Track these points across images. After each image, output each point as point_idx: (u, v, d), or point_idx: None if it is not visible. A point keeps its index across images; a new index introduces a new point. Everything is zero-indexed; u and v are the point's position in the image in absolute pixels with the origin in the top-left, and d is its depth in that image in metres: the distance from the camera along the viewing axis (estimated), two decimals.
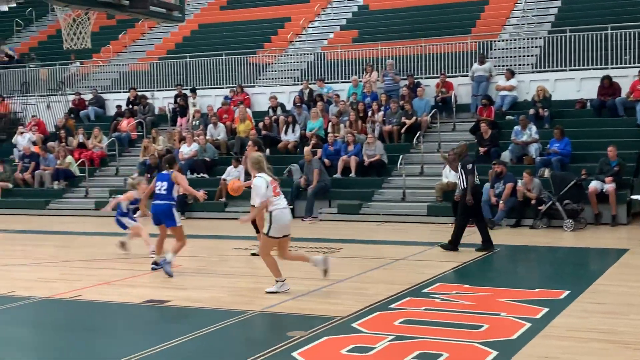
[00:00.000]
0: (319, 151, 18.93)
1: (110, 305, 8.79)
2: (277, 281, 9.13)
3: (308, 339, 6.90)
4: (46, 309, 8.82)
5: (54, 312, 8.71)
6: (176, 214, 10.78)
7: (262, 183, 8.90)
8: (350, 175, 18.47)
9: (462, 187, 12.29)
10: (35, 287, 9.78)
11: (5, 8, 38.78)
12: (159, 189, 10.77)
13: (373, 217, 17.03)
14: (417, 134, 18.91)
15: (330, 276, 9.74)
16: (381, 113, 20.01)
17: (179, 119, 22.72)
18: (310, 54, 24.12)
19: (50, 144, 22.38)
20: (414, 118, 19.51)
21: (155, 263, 10.93)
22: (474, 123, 19.05)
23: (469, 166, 12.19)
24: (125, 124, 22.82)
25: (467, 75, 20.93)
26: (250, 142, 12.09)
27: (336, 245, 13.20)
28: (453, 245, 12.22)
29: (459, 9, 24.97)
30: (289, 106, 21.90)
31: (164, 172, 11.02)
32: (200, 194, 11.34)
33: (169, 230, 10.79)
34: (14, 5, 38.00)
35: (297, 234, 14.42)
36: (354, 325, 7.43)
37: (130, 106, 23.73)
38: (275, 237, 8.97)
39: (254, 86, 23.61)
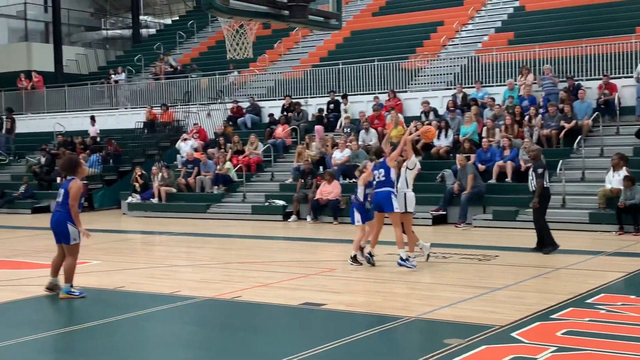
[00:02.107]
0: (473, 156, 18.60)
1: (269, 306, 9.02)
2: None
3: (465, 348, 6.77)
4: (210, 308, 9.17)
5: (216, 312, 9.04)
6: (394, 200, 11.12)
7: None
8: (506, 180, 18.03)
9: (531, 190, 12.84)
10: (199, 288, 10.20)
11: (169, 21, 40.91)
12: (378, 177, 11.21)
13: (530, 224, 16.48)
14: (578, 138, 18.17)
15: (487, 284, 9.53)
16: (539, 117, 19.39)
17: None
18: (464, 57, 23.77)
19: (210, 150, 23.31)
20: (574, 122, 18.77)
21: (369, 254, 11.48)
22: (639, 127, 18.08)
23: (540, 170, 12.60)
24: (280, 130, 23.41)
25: (631, 77, 19.89)
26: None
27: (491, 253, 12.90)
28: (539, 246, 12.69)
29: (621, 8, 23.82)
30: (441, 111, 21.68)
31: (378, 160, 11.41)
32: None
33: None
34: (177, 18, 40.00)
35: (450, 240, 14.28)
36: (514, 334, 7.22)
37: (285, 113, 24.32)
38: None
39: (405, 91, 23.57)
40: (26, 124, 30.38)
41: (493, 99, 20.87)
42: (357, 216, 11.55)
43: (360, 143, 20.83)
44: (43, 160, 26.11)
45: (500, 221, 16.85)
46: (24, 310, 9.28)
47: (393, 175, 11.22)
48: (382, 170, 11.17)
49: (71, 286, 9.58)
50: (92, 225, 19.31)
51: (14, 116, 29.26)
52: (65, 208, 9.51)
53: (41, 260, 13.42)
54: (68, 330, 8.19)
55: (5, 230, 19.06)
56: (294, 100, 24.58)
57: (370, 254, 11.53)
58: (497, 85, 21.92)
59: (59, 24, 35.34)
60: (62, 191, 9.70)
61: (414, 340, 7.60)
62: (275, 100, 25.74)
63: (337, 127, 23.06)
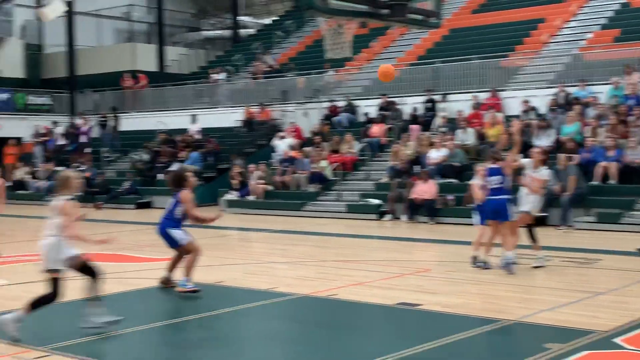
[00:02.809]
0: (575, 157, 18.09)
1: (364, 305, 9.04)
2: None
3: (566, 353, 6.61)
4: (306, 305, 9.28)
5: (313, 309, 9.13)
6: (511, 209, 11.01)
7: None
8: (609, 182, 17.46)
9: None
10: (296, 285, 10.32)
11: (267, 21, 41.47)
12: (493, 184, 11.03)
13: (636, 227, 15.94)
14: None
15: (589, 288, 9.27)
16: None
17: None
18: (567, 55, 23.13)
19: (306, 148, 23.52)
20: None
21: (484, 262, 11.28)
22: None
23: None
24: (376, 129, 23.40)
25: None
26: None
27: (594, 256, 12.53)
28: None
29: None
30: (542, 110, 21.18)
31: (493, 166, 11.13)
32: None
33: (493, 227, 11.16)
34: (276, 18, 40.50)
35: (551, 243, 13.92)
36: (617, 340, 7.00)
37: (381, 112, 24.27)
38: None
39: (505, 90, 23.14)
40: (130, 122, 31.42)
41: (596, 98, 20.24)
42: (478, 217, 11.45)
43: (457, 142, 20.58)
44: (146, 157, 26.94)
45: (604, 224, 16.34)
46: (129, 302, 9.62)
47: (508, 181, 11.03)
48: (498, 177, 10.93)
49: (187, 280, 9.68)
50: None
51: (118, 114, 30.30)
52: (170, 216, 9.82)
53: (145, 254, 13.89)
54: (171, 322, 8.44)
55: (110, 224, 19.78)
56: (390, 99, 24.51)
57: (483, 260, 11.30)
58: (601, 84, 21.23)
59: (163, 25, 36.41)
60: (172, 201, 9.94)
61: (513, 344, 7.47)
62: (371, 99, 25.72)
63: (434, 126, 22.86)
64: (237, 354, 7.15)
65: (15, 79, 35.61)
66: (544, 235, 15.61)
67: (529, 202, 11.32)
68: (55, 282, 7.49)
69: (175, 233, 9.77)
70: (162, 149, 26.93)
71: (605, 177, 17.53)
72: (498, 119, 20.71)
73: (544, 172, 11.56)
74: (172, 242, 9.82)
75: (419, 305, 8.87)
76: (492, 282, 10.41)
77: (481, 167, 11.67)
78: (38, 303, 7.55)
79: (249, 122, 26.96)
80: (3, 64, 35.66)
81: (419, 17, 7.79)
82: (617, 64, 21.30)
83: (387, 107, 24.21)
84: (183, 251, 9.80)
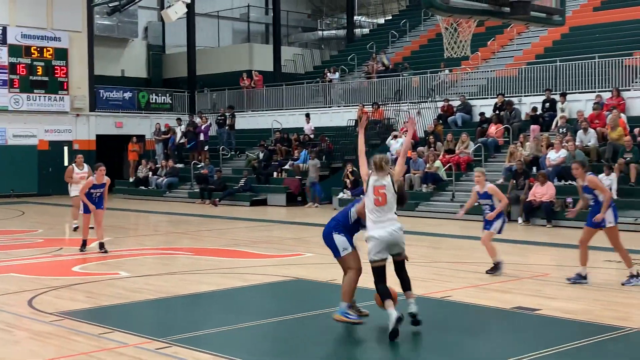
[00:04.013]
0: None
1: (480, 308, 8.89)
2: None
3: None
4: (421, 307, 9.19)
5: (427, 311, 9.04)
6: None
7: None
8: None
9: None
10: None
11: (382, 21, 41.47)
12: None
13: None
14: None
15: None
16: None
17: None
18: None
19: (420, 148, 23.34)
20: None
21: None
22: None
23: None
24: (492, 129, 22.97)
25: None
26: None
27: None
28: None
29: None
30: None
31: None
32: None
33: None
34: (390, 18, 40.44)
35: None
36: None
37: (497, 112, 23.80)
38: None
39: (629, 89, 22.21)
40: (246, 120, 32.12)
41: None
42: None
43: (577, 143, 19.93)
44: (261, 155, 27.46)
45: None
46: (245, 297, 9.83)
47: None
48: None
49: (349, 307, 7.93)
50: (305, 219, 20.08)
51: (235, 113, 31.03)
52: (335, 221, 8.09)
53: (259, 250, 14.16)
54: (284, 318, 8.56)
55: (226, 220, 20.28)
56: (506, 99, 24.00)
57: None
58: None
59: (279, 25, 37.01)
60: (343, 209, 8.35)
61: (635, 353, 7.17)
62: (487, 98, 25.25)
63: (553, 126, 22.21)
64: (358, 352, 7.18)
65: (138, 78, 37.13)
66: None
67: None
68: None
69: (338, 240, 7.98)
70: (277, 147, 27.36)
71: None
72: (620, 120, 19.91)
73: None
74: (334, 250, 8.04)
75: (537, 310, 8.65)
76: (613, 288, 10.03)
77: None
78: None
79: None
80: (127, 64, 37.28)
81: (542, 15, 7.57)
82: None
83: (504, 107, 23.71)
84: (342, 265, 8.04)
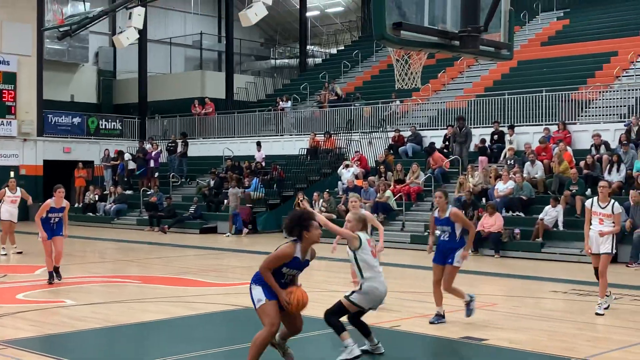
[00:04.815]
0: None
1: (428, 338, 8.93)
2: None
3: None
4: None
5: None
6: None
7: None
8: None
9: None
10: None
11: (334, 51, 41.83)
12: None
13: None
14: None
15: None
16: None
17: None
18: (639, 89, 22.65)
19: (370, 178, 23.49)
20: None
21: None
22: None
23: None
24: (440, 157, 23.20)
25: None
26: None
27: None
28: None
29: None
30: (613, 144, 20.75)
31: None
32: None
33: None
34: (342, 48, 40.82)
35: (622, 281, 13.55)
36: None
37: (447, 142, 24.11)
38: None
39: (575, 123, 22.75)
40: (198, 148, 31.96)
41: None
42: None
43: (525, 175, 20.29)
44: (212, 182, 27.31)
45: None
46: (193, 326, 9.71)
47: None
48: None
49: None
50: (255, 248, 19.97)
51: (187, 140, 30.86)
52: (257, 273, 7.12)
53: (208, 278, 14.03)
54: (233, 348, 8.47)
55: (176, 248, 20.06)
56: (456, 130, 24.32)
57: None
58: None
59: (232, 53, 37.09)
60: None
61: None
62: (437, 130, 25.60)
63: (501, 158, 22.59)
64: None
65: (88, 103, 36.73)
66: (615, 272, 15.22)
67: (605, 241, 10.49)
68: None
69: (255, 291, 7.10)
70: (228, 175, 27.27)
71: None
72: (566, 153, 20.35)
73: (616, 207, 10.70)
74: (252, 302, 7.19)
75: (485, 340, 8.72)
76: (560, 319, 10.16)
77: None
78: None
79: (314, 150, 27.13)
80: (77, 89, 36.89)
81: (491, 49, 7.73)
82: None
83: (454, 138, 24.02)
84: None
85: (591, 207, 10.72)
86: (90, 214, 28.84)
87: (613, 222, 10.52)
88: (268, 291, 6.98)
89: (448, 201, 10.10)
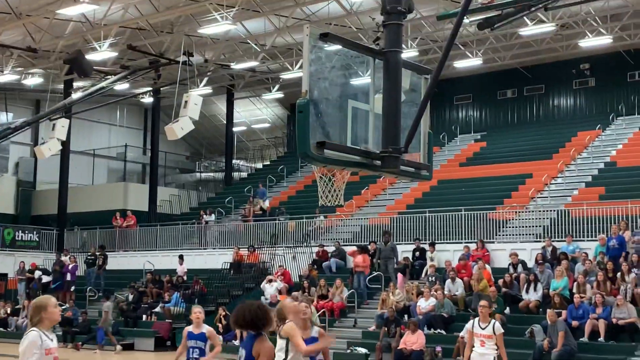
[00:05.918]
0: (564, 312, 17.96)
1: None
2: None
3: None
4: None
5: None
6: None
7: None
8: (599, 339, 17.25)
9: None
10: None
11: (260, 165, 42.26)
12: None
13: None
14: None
15: None
16: (633, 275, 18.71)
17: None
18: (553, 210, 23.50)
19: (294, 293, 23.27)
20: None
21: None
22: None
23: None
24: (359, 258, 23.20)
25: None
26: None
27: None
28: None
29: None
30: (530, 263, 21.25)
31: None
32: None
33: None
34: (268, 163, 41.31)
35: None
36: None
37: (372, 259, 24.25)
38: None
39: (493, 242, 23.29)
40: (117, 261, 31.21)
41: (586, 254, 20.31)
42: None
43: (446, 292, 20.47)
44: (131, 297, 26.59)
45: None
46: None
47: None
48: None
49: None
50: None
51: (106, 253, 30.17)
52: None
53: None
54: None
55: None
56: (379, 247, 24.56)
57: None
58: (588, 240, 21.43)
59: (156, 166, 36.99)
60: (242, 353, 6.62)
61: None
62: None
63: (423, 275, 22.82)
64: None
65: (5, 214, 35.75)
66: None
67: None
68: None
69: None
70: (148, 289, 26.64)
71: (593, 334, 17.33)
72: (484, 271, 20.70)
73: (497, 327, 10.42)
74: None
75: None
76: None
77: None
78: None
79: (237, 265, 26.86)
80: None
81: (411, 169, 7.94)
82: (603, 221, 21.57)
83: (376, 255, 24.20)
84: None
85: (472, 328, 10.42)
86: (2, 329, 27.53)
87: (495, 344, 10.18)
88: None
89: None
